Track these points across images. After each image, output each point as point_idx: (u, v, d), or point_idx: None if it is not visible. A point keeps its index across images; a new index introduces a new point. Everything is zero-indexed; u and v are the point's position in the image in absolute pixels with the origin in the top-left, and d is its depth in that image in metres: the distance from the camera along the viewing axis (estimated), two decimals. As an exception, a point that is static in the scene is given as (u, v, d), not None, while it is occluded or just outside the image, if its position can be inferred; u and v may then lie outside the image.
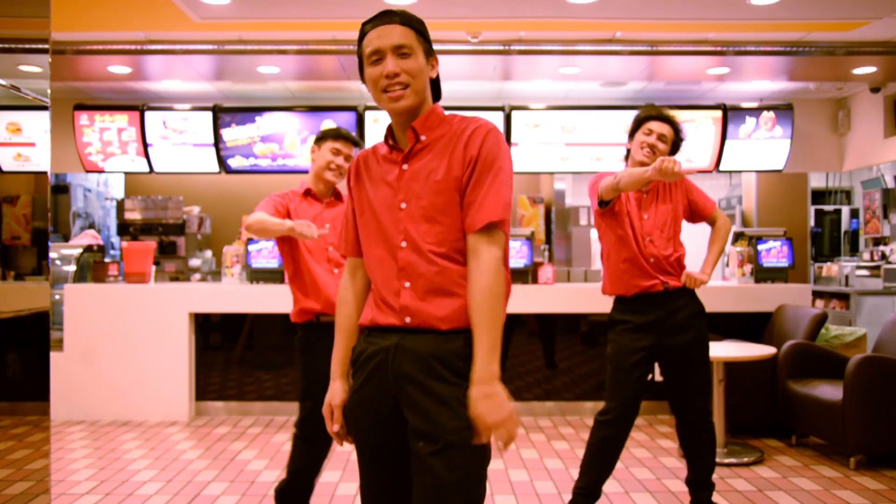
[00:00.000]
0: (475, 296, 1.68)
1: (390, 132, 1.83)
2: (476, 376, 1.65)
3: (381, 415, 1.75)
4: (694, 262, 3.28)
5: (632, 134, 3.23)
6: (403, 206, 1.75)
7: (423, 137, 1.77)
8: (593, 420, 3.24)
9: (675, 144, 3.20)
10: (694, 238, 3.72)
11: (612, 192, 3.05)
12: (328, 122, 6.62)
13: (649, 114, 3.20)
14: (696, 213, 3.31)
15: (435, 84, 1.83)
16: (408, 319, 1.73)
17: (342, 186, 2.55)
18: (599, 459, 3.20)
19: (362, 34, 1.78)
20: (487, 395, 1.65)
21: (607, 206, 3.15)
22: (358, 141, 3.17)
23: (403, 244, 1.74)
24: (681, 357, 3.14)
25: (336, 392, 1.86)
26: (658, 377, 5.41)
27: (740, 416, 4.77)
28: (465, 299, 1.71)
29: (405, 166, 1.77)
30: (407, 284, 1.74)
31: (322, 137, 3.12)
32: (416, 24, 1.77)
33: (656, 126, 3.16)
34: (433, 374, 1.69)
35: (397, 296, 1.74)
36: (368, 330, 1.82)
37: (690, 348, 3.13)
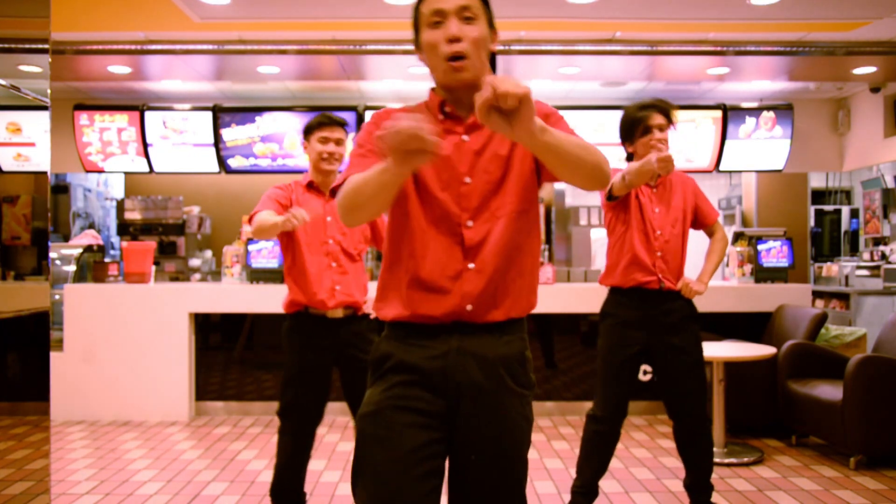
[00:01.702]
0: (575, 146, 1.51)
1: (439, 101, 1.67)
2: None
3: (440, 428, 1.61)
4: (689, 272, 3.28)
5: (628, 137, 3.17)
6: (468, 180, 1.62)
7: None
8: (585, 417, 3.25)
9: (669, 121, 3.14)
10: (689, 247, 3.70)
11: (624, 189, 3.04)
12: (328, 122, 6.61)
13: (642, 114, 3.11)
14: (700, 219, 3.31)
15: (492, 60, 1.69)
16: (469, 307, 1.59)
17: None
18: (593, 456, 3.21)
19: None
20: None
21: (618, 200, 3.15)
22: (343, 121, 3.17)
23: (469, 223, 1.60)
24: (673, 359, 3.13)
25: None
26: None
27: (740, 416, 4.77)
28: (523, 281, 1.64)
29: (465, 137, 1.64)
30: (471, 266, 1.59)
31: (308, 130, 3.13)
32: None
33: (653, 120, 3.09)
34: (502, 385, 1.60)
35: (457, 279, 1.59)
36: (406, 329, 1.63)
37: (683, 351, 3.13)
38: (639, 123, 3.11)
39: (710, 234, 3.39)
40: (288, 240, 3.05)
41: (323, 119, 3.11)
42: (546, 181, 1.70)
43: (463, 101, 1.64)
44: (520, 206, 1.64)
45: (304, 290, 3.00)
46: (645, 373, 5.46)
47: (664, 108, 3.12)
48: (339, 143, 3.11)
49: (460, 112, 1.65)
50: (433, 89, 1.70)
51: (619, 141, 3.25)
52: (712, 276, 3.33)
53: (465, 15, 1.58)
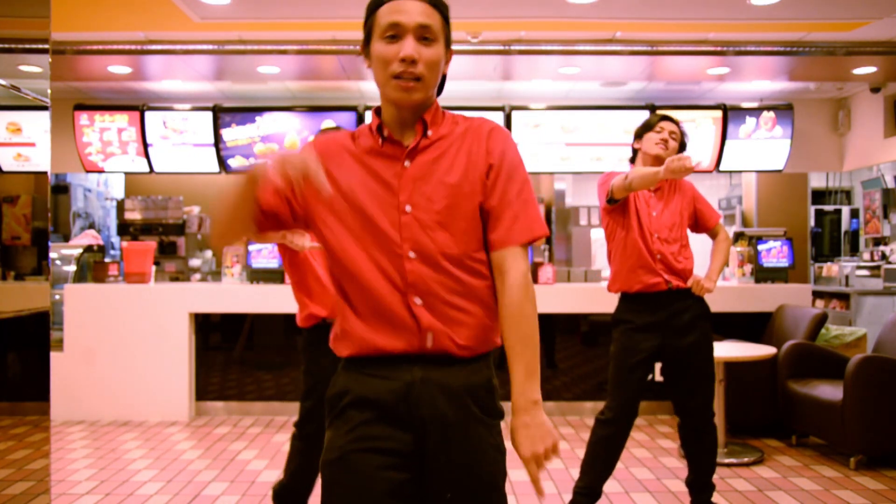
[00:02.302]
0: (507, 319, 1.51)
1: (377, 124, 1.58)
2: (516, 406, 1.51)
3: (408, 466, 1.51)
4: (695, 271, 3.29)
5: (640, 135, 3.29)
6: (408, 209, 1.51)
7: (429, 133, 1.55)
8: (594, 420, 3.25)
9: (681, 145, 3.27)
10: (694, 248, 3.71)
11: (624, 192, 3.07)
12: (328, 122, 6.62)
13: (660, 117, 3.28)
14: (701, 222, 3.33)
15: (441, 80, 1.60)
16: (429, 343, 1.50)
17: None
18: (599, 459, 3.20)
19: (378, 2, 1.53)
20: (527, 424, 1.50)
21: (617, 203, 3.16)
22: (334, 129, 3.15)
23: (412, 254, 1.50)
24: (685, 359, 3.15)
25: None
26: (658, 377, 5.42)
27: (740, 416, 4.77)
28: (485, 318, 1.55)
29: (407, 163, 1.54)
30: (418, 301, 1.50)
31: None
32: (442, 8, 1.55)
33: (667, 125, 3.23)
34: (469, 415, 1.52)
35: (409, 314, 1.49)
36: (364, 361, 1.53)
37: (695, 350, 3.14)
38: (652, 124, 3.26)
39: (713, 235, 3.41)
40: (291, 254, 3.02)
41: (329, 132, 3.08)
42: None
43: (407, 122, 1.55)
44: (469, 244, 1.54)
45: (323, 302, 2.98)
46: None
47: (679, 125, 3.28)
48: None
49: (402, 136, 1.56)
50: (376, 110, 1.60)
51: (619, 141, 3.31)
52: (719, 274, 3.35)
53: (423, 35, 1.49)
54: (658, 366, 3.56)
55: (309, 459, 3.06)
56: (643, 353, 3.14)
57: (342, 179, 1.55)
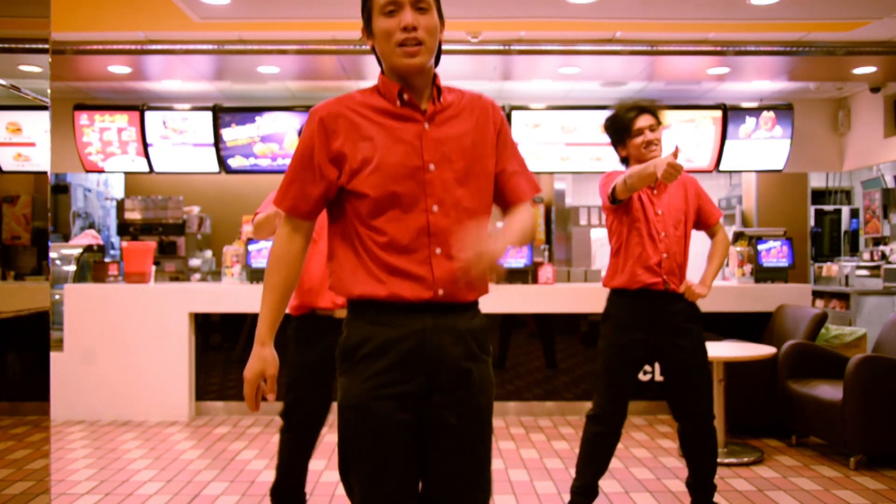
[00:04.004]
0: (516, 215, 1.82)
1: (399, 88, 1.72)
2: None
3: (415, 405, 1.70)
4: (690, 274, 3.28)
5: (620, 141, 3.19)
6: (432, 167, 1.69)
7: (443, 99, 1.74)
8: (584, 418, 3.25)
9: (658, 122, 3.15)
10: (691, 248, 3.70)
11: (627, 193, 3.04)
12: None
13: (629, 117, 3.13)
14: (703, 219, 3.30)
15: (437, 51, 1.77)
16: (441, 292, 1.68)
17: None
18: (593, 457, 3.21)
19: None
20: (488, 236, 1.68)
21: (620, 203, 3.15)
22: None
23: (435, 208, 1.68)
24: (677, 360, 3.13)
25: (268, 360, 1.78)
26: (658, 377, 5.42)
27: (740, 416, 4.77)
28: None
29: (427, 125, 1.71)
30: (438, 251, 1.68)
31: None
32: None
33: (641, 122, 3.11)
34: (472, 354, 1.73)
35: (427, 264, 1.68)
36: (378, 307, 1.69)
37: (687, 352, 3.12)
38: (628, 127, 3.13)
39: (712, 235, 3.38)
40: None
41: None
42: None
43: (416, 87, 1.72)
44: (484, 197, 1.79)
45: (316, 292, 2.99)
46: (645, 372, 5.46)
47: (651, 109, 3.13)
48: None
49: (418, 100, 1.73)
50: (382, 74, 1.76)
51: None
52: (714, 278, 3.32)
53: (419, 5, 1.67)
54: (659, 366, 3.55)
55: (297, 453, 3.05)
56: (633, 350, 3.13)
57: (364, 145, 1.69)
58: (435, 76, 1.76)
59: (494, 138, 1.79)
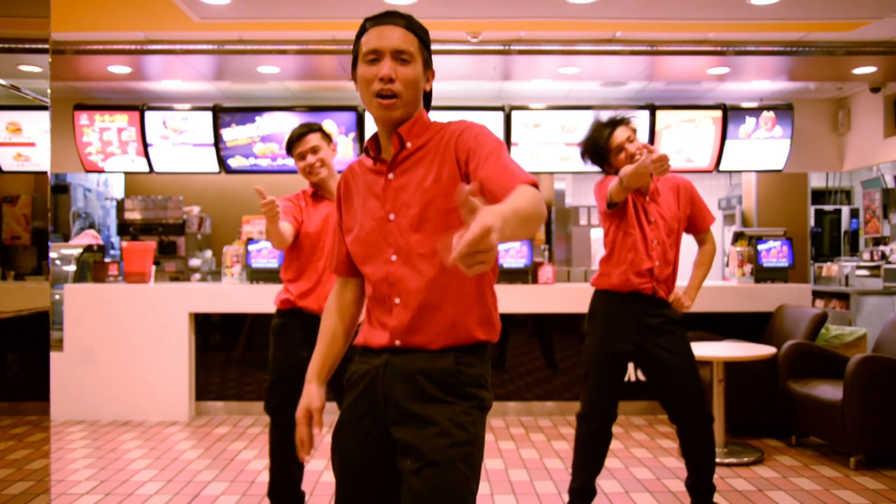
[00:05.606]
0: (509, 201, 1.41)
1: (373, 142, 1.75)
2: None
3: (369, 434, 1.70)
4: (679, 279, 3.29)
5: (604, 161, 3.21)
6: (392, 217, 1.67)
7: (408, 144, 1.69)
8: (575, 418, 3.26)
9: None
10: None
11: (622, 194, 3.05)
12: (328, 123, 6.62)
13: (604, 135, 3.15)
14: (695, 224, 3.29)
15: (427, 97, 1.75)
16: (398, 342, 1.67)
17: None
18: (587, 456, 3.22)
19: (362, 30, 1.70)
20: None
21: (616, 207, 3.16)
22: (311, 126, 3.13)
23: (393, 258, 1.67)
24: (661, 361, 3.13)
25: (313, 396, 1.79)
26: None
27: (740, 416, 4.77)
28: (457, 315, 1.66)
29: (390, 176, 1.69)
30: (397, 300, 1.67)
31: (288, 149, 3.13)
32: (420, 32, 1.70)
33: (618, 137, 3.14)
34: (421, 393, 1.63)
35: (389, 314, 1.68)
36: (362, 350, 1.77)
37: (671, 353, 3.13)
38: (606, 146, 3.17)
39: (701, 242, 3.37)
40: (292, 243, 3.06)
41: (291, 136, 3.11)
42: None
43: (389, 137, 1.71)
44: (437, 240, 1.62)
45: (311, 291, 3.01)
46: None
47: (623, 120, 3.17)
48: (314, 150, 3.09)
49: (385, 152, 1.72)
50: (375, 134, 1.77)
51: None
52: (699, 289, 3.31)
53: (401, 57, 1.64)
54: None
55: (288, 451, 3.03)
56: (618, 348, 3.15)
57: (356, 202, 1.76)
58: (418, 117, 1.70)
59: (455, 166, 1.63)
